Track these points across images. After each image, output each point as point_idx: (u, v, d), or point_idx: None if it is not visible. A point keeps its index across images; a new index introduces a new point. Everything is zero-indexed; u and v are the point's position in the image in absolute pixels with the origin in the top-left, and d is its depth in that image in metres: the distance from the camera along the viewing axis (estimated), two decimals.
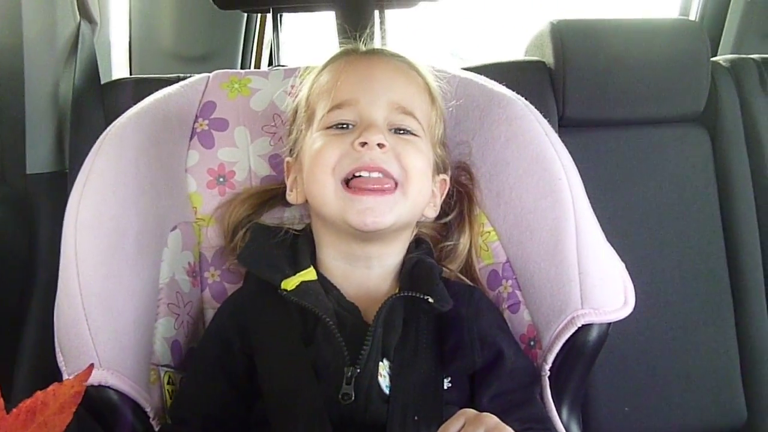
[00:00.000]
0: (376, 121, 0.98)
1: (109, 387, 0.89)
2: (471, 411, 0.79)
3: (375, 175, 0.96)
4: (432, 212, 1.08)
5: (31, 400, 0.62)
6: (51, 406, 0.62)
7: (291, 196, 1.08)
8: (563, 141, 1.09)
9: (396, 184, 0.96)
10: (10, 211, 1.34)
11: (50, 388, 0.63)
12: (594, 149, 1.61)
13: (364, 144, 0.95)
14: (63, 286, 0.94)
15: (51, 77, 1.40)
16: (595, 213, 1.05)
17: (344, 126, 0.99)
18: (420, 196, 1.01)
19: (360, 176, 0.96)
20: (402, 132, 1.00)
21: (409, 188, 0.97)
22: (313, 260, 1.03)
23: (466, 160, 1.16)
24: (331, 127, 1.00)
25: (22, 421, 0.61)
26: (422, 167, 1.00)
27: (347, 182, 0.96)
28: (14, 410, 0.61)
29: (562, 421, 1.00)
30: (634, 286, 1.02)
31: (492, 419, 0.78)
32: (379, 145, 0.95)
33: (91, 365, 0.68)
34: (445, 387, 0.95)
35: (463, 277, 1.12)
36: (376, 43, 1.22)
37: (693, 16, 2.21)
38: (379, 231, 0.97)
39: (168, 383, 1.01)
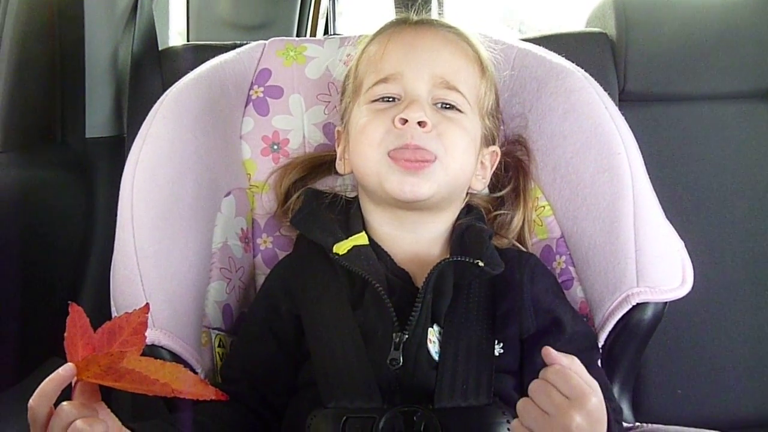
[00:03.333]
0: (419, 97, 0.97)
1: (162, 347, 0.91)
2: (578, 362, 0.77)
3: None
4: (480, 185, 1.07)
5: (110, 323, 0.75)
6: (126, 329, 0.75)
7: (340, 166, 1.08)
8: (623, 115, 1.06)
9: (435, 157, 0.95)
10: (70, 173, 1.38)
11: (122, 315, 0.76)
12: (655, 124, 1.56)
13: (405, 121, 0.94)
14: (119, 247, 0.96)
15: (110, 43, 1.43)
16: (655, 190, 1.02)
17: (389, 99, 0.99)
18: (461, 171, 1.00)
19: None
20: (447, 106, 0.99)
21: (449, 163, 0.96)
22: (364, 226, 1.03)
23: (522, 133, 1.14)
24: (376, 101, 0.99)
25: (106, 338, 0.74)
26: (464, 145, 0.99)
27: (389, 153, 0.96)
28: (99, 329, 0.74)
29: None
30: (693, 266, 0.99)
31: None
32: (420, 123, 0.94)
33: (147, 304, 0.78)
34: (497, 353, 0.94)
35: (518, 245, 1.10)
36: (433, 13, 1.20)
37: None
38: (419, 201, 0.96)
39: (219, 346, 1.03)
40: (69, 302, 0.74)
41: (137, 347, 0.75)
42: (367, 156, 0.97)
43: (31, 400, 0.72)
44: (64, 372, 0.72)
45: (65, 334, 0.73)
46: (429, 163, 0.95)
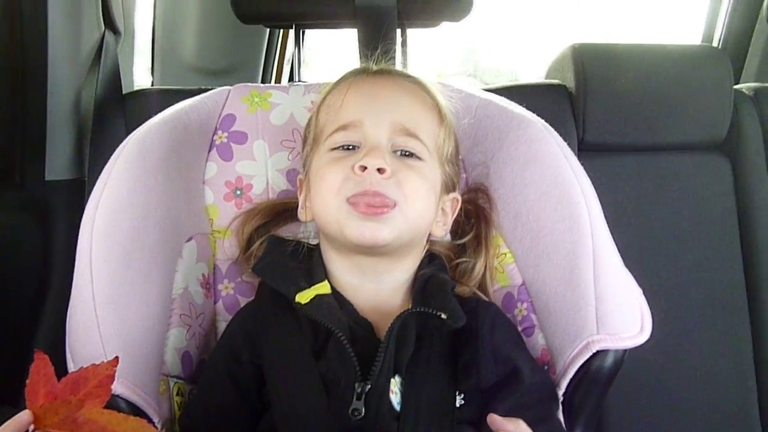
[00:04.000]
0: (379, 144, 0.98)
1: (118, 396, 0.89)
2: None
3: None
4: (441, 231, 1.08)
5: (75, 373, 0.74)
6: (92, 380, 0.73)
7: (302, 213, 1.08)
8: (582, 165, 1.08)
9: (395, 203, 0.96)
10: (28, 216, 1.35)
11: (88, 366, 0.74)
12: (613, 174, 1.59)
13: (364, 168, 0.95)
14: (76, 293, 0.94)
15: (74, 85, 1.42)
16: (614, 238, 1.03)
17: (349, 147, 0.99)
18: (421, 218, 1.00)
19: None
20: (406, 154, 1.00)
21: (409, 210, 0.97)
22: (326, 274, 1.03)
23: (483, 182, 1.16)
24: (336, 149, 1.00)
25: (70, 389, 0.72)
26: (423, 192, 0.99)
27: (348, 199, 0.96)
28: (63, 379, 0.73)
29: None
30: (651, 312, 1.00)
31: None
32: (379, 170, 0.95)
33: (116, 357, 0.76)
34: (458, 404, 0.94)
35: (480, 293, 1.11)
36: (397, 63, 1.22)
37: (716, 42, 2.20)
38: (379, 246, 0.96)
39: (177, 394, 1.00)
40: (35, 349, 0.73)
41: (101, 399, 0.73)
42: (327, 203, 0.98)
43: None
44: (22, 418, 0.70)
45: (27, 381, 0.72)
46: (388, 209, 0.95)
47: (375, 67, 1.07)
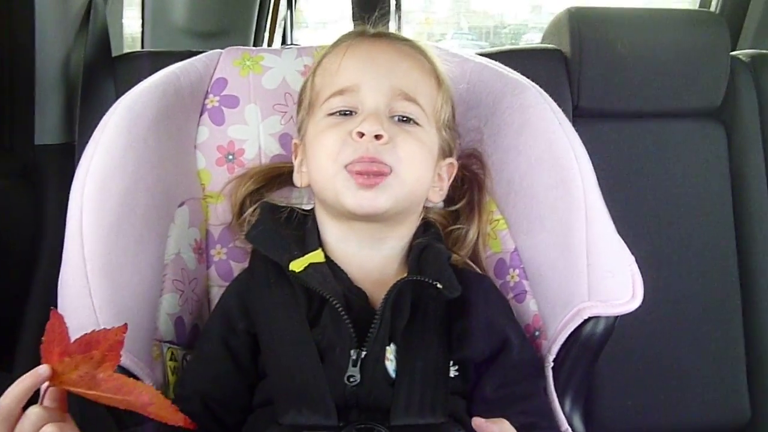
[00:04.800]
0: (376, 110, 0.96)
1: None
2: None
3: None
4: (438, 196, 1.07)
5: (87, 335, 0.74)
6: (103, 344, 0.74)
7: (297, 178, 1.07)
8: (577, 131, 1.08)
9: (391, 170, 0.95)
10: (18, 181, 1.34)
11: (100, 330, 0.75)
12: (607, 141, 1.59)
13: (361, 135, 0.94)
14: (68, 259, 0.93)
15: (62, 48, 1.40)
16: (607, 205, 1.03)
17: (346, 112, 0.98)
18: (418, 184, 0.99)
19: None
20: (404, 119, 0.99)
21: (406, 176, 0.96)
22: (320, 242, 1.03)
23: (477, 147, 1.15)
24: (333, 114, 0.99)
25: (83, 349, 0.73)
26: (421, 157, 0.99)
27: (345, 166, 0.95)
28: (76, 339, 0.74)
29: (564, 414, 0.99)
30: (644, 279, 1.01)
31: None
32: (376, 136, 0.94)
33: (126, 324, 0.76)
34: (452, 375, 0.95)
35: (473, 265, 1.11)
36: (391, 26, 1.20)
37: (713, 7, 2.18)
38: (376, 214, 0.96)
39: (170, 359, 1.01)
40: (51, 308, 0.75)
41: (112, 363, 0.74)
42: (325, 170, 0.97)
43: (1, 399, 0.70)
44: (40, 372, 0.71)
45: (43, 338, 0.72)
46: (384, 176, 0.95)
47: (372, 30, 1.06)
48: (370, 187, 0.94)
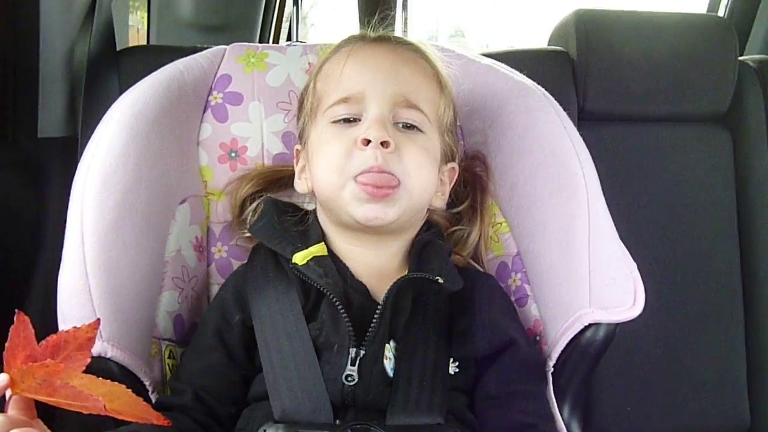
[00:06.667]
0: (380, 117, 0.96)
1: (109, 359, 0.89)
2: None
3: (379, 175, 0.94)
4: (440, 202, 1.07)
5: (55, 336, 0.73)
6: (72, 344, 0.72)
7: (299, 185, 1.07)
8: (582, 134, 1.07)
9: (399, 182, 0.95)
10: (21, 174, 1.34)
11: (69, 329, 0.73)
12: (613, 145, 1.58)
13: (367, 142, 0.94)
14: (67, 256, 0.93)
15: (66, 41, 1.39)
16: (610, 209, 1.03)
17: (349, 119, 0.98)
18: (424, 192, 0.99)
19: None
20: (407, 126, 0.98)
21: (413, 187, 0.96)
22: (323, 237, 1.02)
23: (481, 149, 1.14)
24: (337, 122, 0.98)
25: (50, 352, 0.71)
26: (427, 165, 0.98)
27: (354, 177, 0.94)
28: (42, 342, 0.72)
29: (563, 419, 0.98)
30: (646, 284, 1.00)
31: None
32: (382, 143, 0.93)
33: (98, 319, 0.76)
34: (452, 372, 0.94)
35: (475, 264, 1.10)
36: (397, 27, 1.20)
37: (721, 12, 2.17)
38: (384, 226, 0.96)
39: (169, 357, 1.01)
40: (16, 310, 0.72)
41: (81, 364, 0.72)
42: (331, 181, 0.96)
43: None
44: None
45: (6, 344, 0.71)
46: (394, 189, 0.94)
47: (373, 34, 1.05)
48: (379, 200, 0.94)
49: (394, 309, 0.93)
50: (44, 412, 0.74)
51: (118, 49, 1.47)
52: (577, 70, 1.57)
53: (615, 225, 1.02)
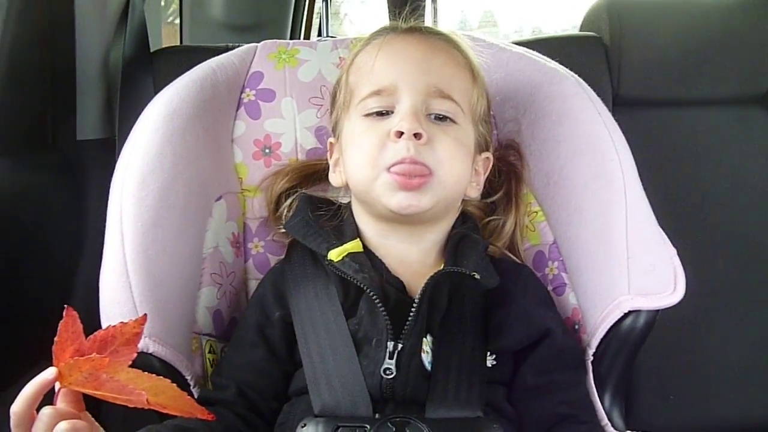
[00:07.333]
0: (414, 108, 0.95)
1: (151, 354, 0.90)
2: None
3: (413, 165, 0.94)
4: (475, 192, 1.06)
5: (103, 331, 0.74)
6: (119, 339, 0.74)
7: (333, 177, 1.07)
8: (617, 120, 1.06)
9: (431, 171, 0.94)
10: (61, 177, 1.37)
11: (117, 324, 0.75)
12: (649, 130, 1.55)
13: (401, 134, 0.93)
14: (108, 254, 0.95)
15: (101, 45, 1.41)
16: (648, 195, 1.01)
17: (382, 112, 0.98)
18: (458, 183, 0.99)
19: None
20: (440, 118, 0.98)
21: (446, 177, 0.96)
22: (358, 232, 1.02)
23: (515, 138, 1.14)
24: (370, 114, 0.98)
25: (97, 347, 0.73)
26: (460, 156, 0.98)
27: (387, 168, 0.94)
28: (90, 337, 0.73)
29: (603, 408, 0.97)
30: (687, 271, 0.99)
31: None
32: (415, 135, 0.93)
33: (145, 315, 0.77)
34: (489, 365, 0.94)
35: (510, 255, 1.10)
36: (427, 18, 1.19)
37: None
38: (419, 214, 0.96)
39: (209, 352, 1.02)
40: (65, 305, 0.74)
41: (127, 358, 0.74)
42: (365, 173, 0.96)
43: (13, 405, 0.72)
44: (46, 376, 0.72)
45: (56, 338, 0.73)
46: (427, 177, 0.94)
47: (404, 25, 1.05)
48: (412, 189, 0.94)
49: (430, 303, 0.93)
50: (92, 405, 0.75)
51: (151, 50, 1.50)
52: (610, 56, 1.54)
53: (653, 211, 1.01)
